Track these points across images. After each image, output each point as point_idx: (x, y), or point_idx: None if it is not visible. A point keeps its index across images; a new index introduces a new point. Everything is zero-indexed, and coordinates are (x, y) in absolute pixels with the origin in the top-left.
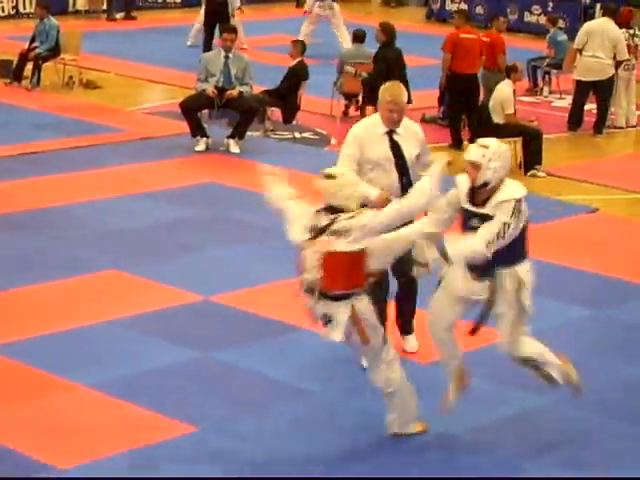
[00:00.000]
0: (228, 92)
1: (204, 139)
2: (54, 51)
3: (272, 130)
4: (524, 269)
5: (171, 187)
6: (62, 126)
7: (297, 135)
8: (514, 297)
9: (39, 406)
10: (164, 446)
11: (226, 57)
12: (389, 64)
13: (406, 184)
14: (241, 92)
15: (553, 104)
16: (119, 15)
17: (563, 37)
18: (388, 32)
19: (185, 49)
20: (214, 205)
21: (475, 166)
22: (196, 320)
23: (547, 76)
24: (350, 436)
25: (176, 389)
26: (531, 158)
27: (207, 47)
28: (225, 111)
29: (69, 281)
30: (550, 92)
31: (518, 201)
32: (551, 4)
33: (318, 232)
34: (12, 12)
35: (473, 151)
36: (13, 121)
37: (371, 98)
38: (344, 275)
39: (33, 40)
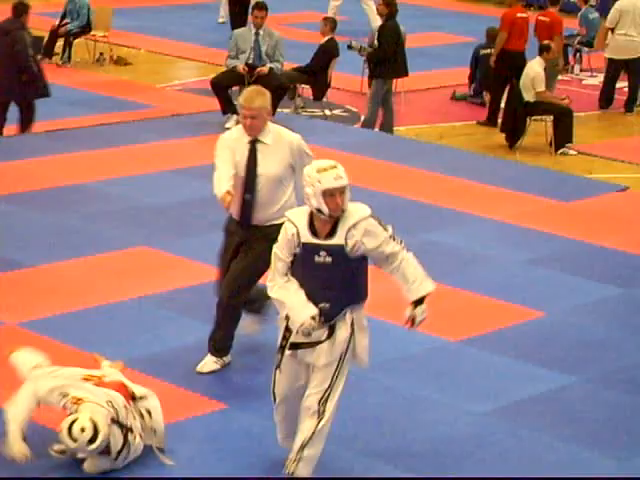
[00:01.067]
0: (258, 69)
1: (234, 116)
2: (85, 28)
3: (302, 107)
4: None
5: (202, 164)
6: (92, 103)
7: (327, 112)
8: None
9: None
10: (193, 423)
11: (257, 34)
12: (396, 37)
13: (247, 204)
14: (271, 69)
15: (584, 82)
16: None
17: (595, 15)
18: (391, 5)
19: (216, 26)
20: None
21: (343, 191)
22: None
23: (578, 54)
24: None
25: None
26: (562, 136)
27: (237, 24)
28: None
29: (100, 258)
30: (581, 70)
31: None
32: None
33: None
34: None
35: (343, 175)
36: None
37: (376, 73)
38: None
39: (64, 17)
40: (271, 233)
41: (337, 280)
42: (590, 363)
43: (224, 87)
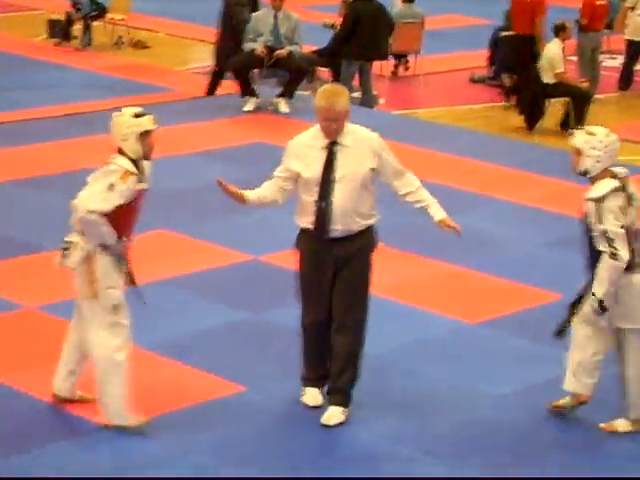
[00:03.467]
0: (277, 52)
1: (253, 99)
2: (99, 11)
3: None
4: None
5: (220, 147)
6: (111, 86)
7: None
8: None
9: (89, 366)
10: (213, 404)
11: (275, 17)
12: (359, 20)
13: (322, 212)
14: (290, 51)
15: (604, 64)
16: None
17: None
18: None
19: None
20: (263, 165)
21: (577, 151)
22: (246, 280)
23: None
24: (389, 400)
25: (225, 349)
26: (574, 118)
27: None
28: (274, 71)
29: None
30: (601, 52)
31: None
32: None
33: None
34: None
35: (578, 135)
36: (63, 81)
37: (343, 53)
38: None
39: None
40: (364, 244)
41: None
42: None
43: (243, 70)
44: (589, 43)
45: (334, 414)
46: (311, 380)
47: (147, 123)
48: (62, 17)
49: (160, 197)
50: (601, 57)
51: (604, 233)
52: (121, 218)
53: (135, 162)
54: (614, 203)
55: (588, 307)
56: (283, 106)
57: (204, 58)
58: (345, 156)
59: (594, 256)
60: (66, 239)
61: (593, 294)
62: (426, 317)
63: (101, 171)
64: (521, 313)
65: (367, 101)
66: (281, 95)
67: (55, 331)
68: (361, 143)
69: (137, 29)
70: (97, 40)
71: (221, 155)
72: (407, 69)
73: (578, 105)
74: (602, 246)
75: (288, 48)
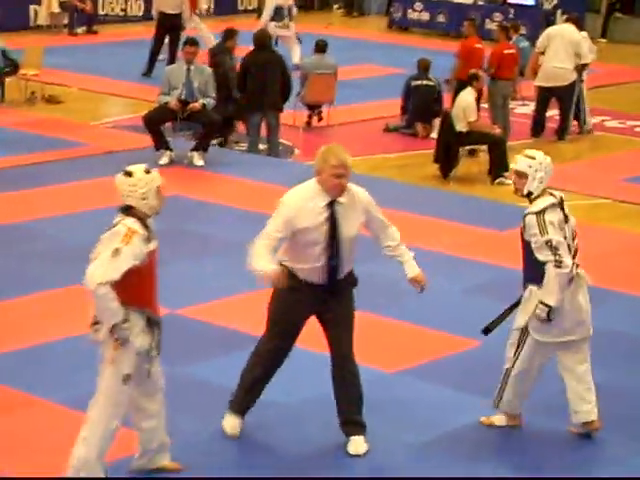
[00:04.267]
0: (191, 105)
1: (168, 152)
2: (12, 67)
3: (236, 142)
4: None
5: None
6: (25, 142)
7: (261, 146)
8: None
9: (4, 422)
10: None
11: (188, 70)
12: (248, 70)
13: (334, 270)
14: (204, 104)
15: (516, 111)
16: (80, 30)
17: (525, 44)
18: (254, 39)
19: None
20: (179, 218)
21: (521, 175)
22: (164, 333)
23: None
24: (316, 446)
25: None
26: (497, 166)
27: (152, 61)
28: (188, 124)
29: (33, 297)
30: (513, 99)
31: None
32: (512, 11)
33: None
34: None
35: (521, 160)
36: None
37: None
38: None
39: None
40: (351, 282)
41: (524, 257)
42: None
43: (157, 123)
44: (499, 91)
45: (361, 443)
46: (239, 407)
47: (158, 177)
48: None
49: (76, 253)
50: (513, 104)
51: (548, 242)
52: (136, 286)
53: (142, 221)
54: (554, 216)
55: (522, 321)
56: (197, 159)
57: (117, 112)
58: (344, 214)
59: (532, 270)
60: (95, 314)
61: (543, 303)
62: None
63: (106, 237)
64: (439, 360)
65: (274, 151)
66: (195, 149)
67: None
68: (353, 200)
69: (50, 84)
70: (10, 96)
71: None
72: (320, 119)
73: (494, 151)
74: (545, 256)
75: (201, 101)
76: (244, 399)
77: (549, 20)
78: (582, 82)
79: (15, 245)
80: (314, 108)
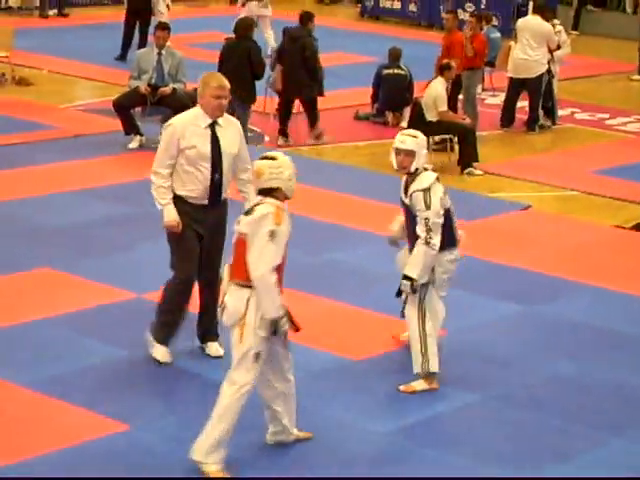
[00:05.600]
0: (161, 89)
1: (137, 136)
2: None
3: None
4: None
5: (104, 184)
6: None
7: None
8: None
9: None
10: (97, 444)
11: (159, 54)
12: (222, 59)
13: (217, 184)
14: (174, 89)
15: (486, 101)
16: (52, 12)
17: (496, 35)
18: (236, 26)
19: (118, 46)
20: (147, 202)
21: (409, 154)
22: (129, 318)
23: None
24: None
25: (108, 388)
26: (467, 156)
27: (126, 45)
28: (158, 108)
29: (2, 279)
30: (483, 89)
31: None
32: (484, 1)
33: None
34: None
35: (408, 140)
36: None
37: None
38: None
39: None
40: (225, 212)
41: (410, 230)
42: (492, 381)
43: (126, 107)
44: (478, 80)
45: (219, 347)
46: (165, 338)
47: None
48: None
49: (44, 235)
50: (483, 94)
51: (426, 220)
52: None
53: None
54: (438, 190)
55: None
56: None
57: (88, 95)
58: (223, 133)
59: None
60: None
61: (406, 277)
62: (311, 354)
63: (250, 223)
64: (406, 349)
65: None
66: None
67: None
68: (229, 122)
69: (20, 66)
70: None
71: (105, 192)
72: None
73: (464, 141)
74: (420, 231)
75: (172, 86)
76: (168, 332)
77: (521, 11)
78: (553, 76)
79: None
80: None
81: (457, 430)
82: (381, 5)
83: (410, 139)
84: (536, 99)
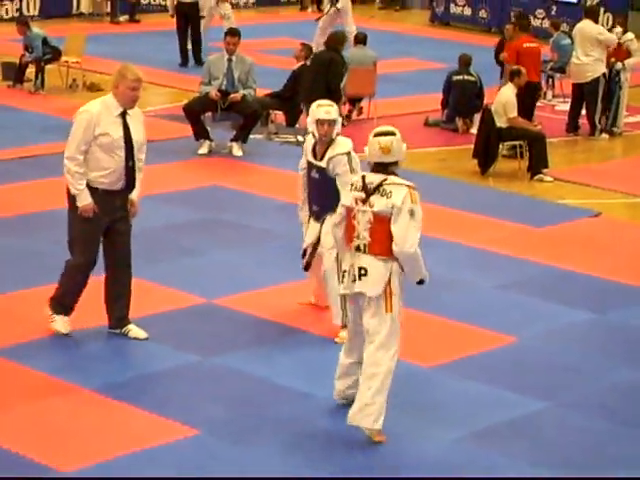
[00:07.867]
0: (231, 95)
1: (207, 142)
2: (53, 54)
3: (275, 133)
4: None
5: (174, 190)
6: (66, 129)
7: (300, 138)
8: None
9: (40, 409)
10: (166, 449)
11: (229, 60)
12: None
13: (131, 170)
14: (244, 95)
15: (556, 108)
16: (123, 18)
17: (566, 41)
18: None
19: (189, 52)
20: (217, 208)
21: (332, 123)
22: (199, 323)
23: (550, 80)
24: (347, 439)
25: (178, 393)
26: (537, 162)
27: (183, 51)
28: (228, 114)
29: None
30: (554, 96)
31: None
32: (554, 8)
33: (371, 192)
34: (16, 14)
35: (332, 111)
36: (16, 124)
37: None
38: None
39: (26, 49)
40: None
41: (323, 191)
42: (562, 388)
43: (197, 113)
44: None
45: (139, 330)
46: (66, 309)
47: None
48: (16, 60)
49: None
50: (554, 101)
51: (352, 184)
52: None
53: None
54: (356, 155)
55: (329, 243)
56: (236, 150)
57: (158, 101)
58: (133, 122)
59: (331, 200)
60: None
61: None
62: None
63: (388, 205)
64: (475, 356)
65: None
66: (235, 139)
67: (7, 374)
68: (136, 112)
69: (91, 72)
70: (51, 83)
71: (176, 198)
72: (361, 113)
73: (535, 148)
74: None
75: (242, 92)
76: (70, 303)
77: None
78: (618, 81)
79: (54, 231)
80: (354, 101)
81: (526, 437)
82: (451, 11)
83: (332, 109)
84: (589, 103)
